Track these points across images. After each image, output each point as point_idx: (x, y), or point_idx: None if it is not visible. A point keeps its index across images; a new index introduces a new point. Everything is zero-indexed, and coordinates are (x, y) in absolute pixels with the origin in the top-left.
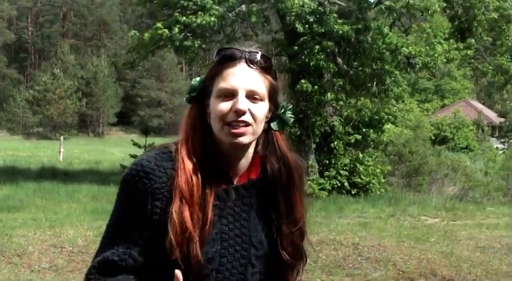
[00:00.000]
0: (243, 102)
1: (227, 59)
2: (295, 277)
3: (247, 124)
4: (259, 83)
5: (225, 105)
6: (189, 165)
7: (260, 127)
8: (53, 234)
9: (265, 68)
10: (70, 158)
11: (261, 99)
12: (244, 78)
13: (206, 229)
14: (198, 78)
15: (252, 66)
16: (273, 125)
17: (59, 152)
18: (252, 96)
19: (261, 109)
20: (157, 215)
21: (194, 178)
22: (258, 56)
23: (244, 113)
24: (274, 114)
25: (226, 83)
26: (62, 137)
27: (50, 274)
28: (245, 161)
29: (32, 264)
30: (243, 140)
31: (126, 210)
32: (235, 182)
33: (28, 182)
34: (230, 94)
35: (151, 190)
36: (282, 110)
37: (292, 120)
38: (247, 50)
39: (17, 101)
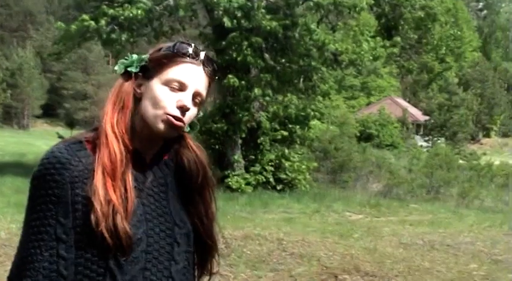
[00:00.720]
0: (190, 101)
1: (188, 54)
2: (210, 266)
3: (183, 121)
4: (205, 88)
5: (171, 96)
6: (113, 140)
7: (185, 127)
8: None
9: (214, 76)
10: None
11: (200, 104)
12: (197, 78)
13: (129, 205)
14: (135, 55)
15: (205, 69)
16: (186, 128)
17: None
18: (195, 97)
19: (196, 112)
20: (80, 203)
21: (118, 153)
22: (212, 62)
23: (187, 111)
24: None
25: (182, 76)
26: None
27: None
28: (156, 146)
29: None
30: (174, 133)
31: (46, 206)
32: (147, 161)
33: None
34: (179, 87)
35: (70, 179)
36: (196, 115)
37: (197, 128)
38: (205, 52)
39: None
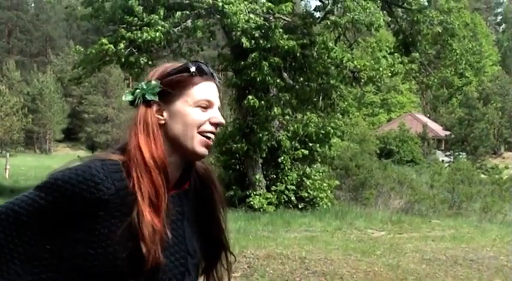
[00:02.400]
0: (221, 116)
1: (204, 73)
2: None
3: (212, 139)
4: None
5: (204, 115)
6: (154, 169)
7: None
8: None
9: (220, 86)
10: (16, 175)
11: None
12: (216, 93)
13: (164, 235)
14: (143, 84)
15: (216, 84)
16: None
17: (5, 169)
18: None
19: None
20: (98, 224)
21: (162, 185)
22: (218, 76)
23: (221, 125)
24: None
25: (207, 95)
26: (8, 154)
27: None
28: (177, 173)
29: None
30: (207, 153)
31: (63, 217)
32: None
33: None
34: (207, 106)
35: (98, 201)
36: None
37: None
38: (210, 67)
39: None
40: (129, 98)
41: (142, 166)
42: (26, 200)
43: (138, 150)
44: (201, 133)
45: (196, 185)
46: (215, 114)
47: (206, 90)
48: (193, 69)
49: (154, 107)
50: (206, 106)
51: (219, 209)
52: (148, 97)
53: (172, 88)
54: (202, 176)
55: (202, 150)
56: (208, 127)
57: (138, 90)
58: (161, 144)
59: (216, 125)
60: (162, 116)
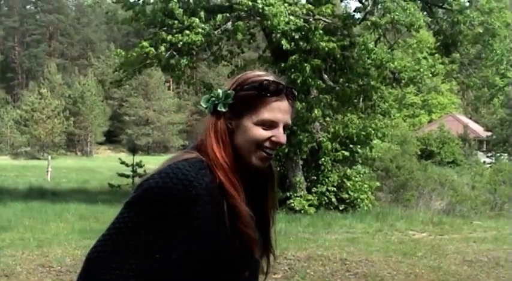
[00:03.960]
0: (283, 137)
1: (273, 92)
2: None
3: (272, 155)
4: (291, 116)
5: (265, 133)
6: (232, 175)
7: None
8: (40, 254)
9: (295, 101)
10: (58, 177)
11: (286, 130)
12: (285, 113)
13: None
14: (220, 91)
15: (289, 101)
16: None
17: (47, 171)
18: (285, 128)
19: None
20: (199, 220)
21: (237, 184)
22: (294, 92)
23: (282, 146)
24: None
25: (272, 116)
26: (49, 157)
27: None
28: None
29: None
30: (265, 166)
31: (165, 220)
32: None
33: (16, 201)
34: (271, 124)
35: (196, 197)
36: None
37: None
38: (287, 85)
39: (4, 120)
40: (204, 105)
41: (220, 166)
42: (126, 222)
43: (213, 153)
44: (260, 148)
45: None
46: (276, 134)
47: (274, 110)
48: (264, 89)
49: (227, 114)
50: (269, 125)
51: (271, 209)
52: (219, 108)
53: (243, 104)
54: (263, 174)
55: (259, 163)
56: (267, 144)
57: (213, 99)
58: (229, 150)
59: (275, 144)
60: (231, 125)
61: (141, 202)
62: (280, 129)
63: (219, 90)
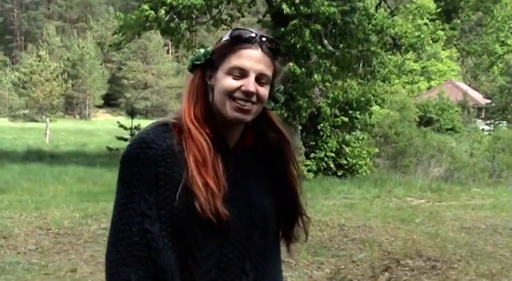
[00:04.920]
0: (252, 85)
1: (244, 41)
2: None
3: (252, 103)
4: (268, 67)
5: (234, 83)
6: (196, 133)
7: (261, 107)
8: (39, 216)
9: (275, 52)
10: (56, 140)
11: (267, 83)
12: (256, 61)
13: (222, 191)
14: (202, 50)
15: (264, 50)
16: (266, 104)
17: (45, 134)
18: (260, 78)
19: (266, 91)
20: (162, 181)
21: (204, 144)
22: (270, 41)
23: (253, 95)
24: (270, 93)
25: (240, 63)
26: (48, 119)
27: (36, 255)
28: (237, 133)
29: (18, 246)
30: (247, 117)
31: (132, 184)
32: (230, 149)
33: (14, 164)
34: (241, 73)
35: (154, 158)
36: (276, 90)
37: (282, 99)
38: (260, 33)
39: (2, 83)
40: (188, 64)
41: (188, 131)
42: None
43: (183, 111)
44: (233, 99)
45: (266, 145)
46: (245, 83)
47: (242, 57)
48: (232, 36)
49: (204, 73)
50: (239, 75)
51: (291, 172)
52: (195, 63)
53: (217, 56)
54: (274, 137)
55: (235, 115)
56: (238, 95)
57: (193, 57)
58: (202, 108)
59: (245, 93)
60: (211, 81)
61: (119, 175)
62: (251, 78)
63: (201, 49)
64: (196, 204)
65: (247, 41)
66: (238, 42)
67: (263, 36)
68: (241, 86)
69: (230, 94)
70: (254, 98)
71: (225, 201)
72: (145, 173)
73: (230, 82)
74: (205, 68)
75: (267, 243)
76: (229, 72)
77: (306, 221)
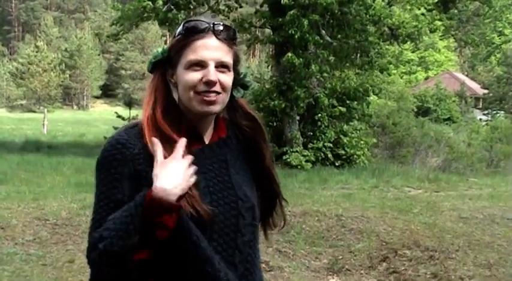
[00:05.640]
0: (213, 74)
1: (196, 31)
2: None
3: (217, 93)
4: (226, 53)
5: (195, 76)
6: (147, 133)
7: (228, 95)
8: (36, 206)
9: (231, 38)
10: (54, 130)
11: (228, 70)
12: (212, 49)
13: (196, 188)
14: (160, 49)
15: (219, 37)
16: (235, 92)
17: (43, 124)
18: (220, 66)
19: (229, 78)
20: (143, 178)
21: (155, 144)
22: (224, 28)
23: (215, 84)
24: (236, 81)
25: (197, 55)
26: (45, 110)
27: (34, 246)
28: (209, 125)
29: (16, 237)
30: (214, 108)
31: (112, 184)
32: (206, 142)
33: (12, 154)
34: (200, 65)
35: (132, 157)
36: (242, 76)
37: (251, 85)
38: (213, 21)
39: (0, 73)
40: (147, 66)
41: (145, 126)
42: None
43: (142, 112)
44: (197, 93)
45: (239, 134)
46: (205, 73)
47: (198, 49)
48: (183, 30)
49: (164, 72)
50: (198, 66)
51: (267, 157)
52: (153, 62)
53: (174, 52)
54: (247, 125)
55: (202, 108)
56: (201, 87)
57: (151, 58)
58: (161, 106)
59: (207, 84)
60: (173, 79)
61: (96, 181)
62: (210, 67)
63: (159, 48)
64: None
65: (200, 32)
66: (191, 34)
67: (215, 23)
68: (202, 78)
69: (193, 88)
70: (218, 87)
71: (205, 195)
72: (124, 172)
73: (191, 76)
74: (165, 66)
75: (254, 233)
76: (188, 67)
77: (284, 205)
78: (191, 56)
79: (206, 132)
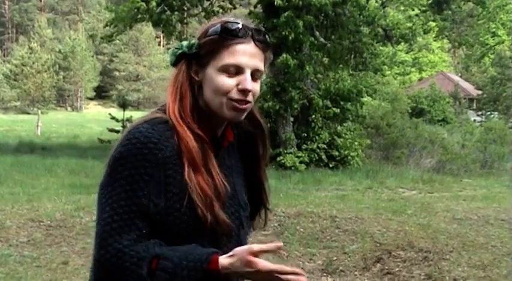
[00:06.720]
0: (250, 82)
1: (234, 34)
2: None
3: (248, 102)
4: (261, 61)
5: (230, 82)
6: (183, 131)
7: (253, 104)
8: (30, 208)
9: (267, 46)
10: (48, 132)
11: (259, 78)
12: (251, 57)
13: (221, 193)
14: (185, 42)
15: (257, 44)
16: None
17: (37, 126)
18: (254, 75)
19: (259, 87)
20: (171, 185)
21: (193, 143)
22: (262, 35)
23: (249, 93)
24: None
25: (235, 60)
26: (39, 111)
27: (28, 248)
28: (222, 128)
29: (10, 238)
30: (242, 116)
31: (138, 186)
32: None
33: (6, 156)
34: (236, 70)
35: (163, 160)
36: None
37: (263, 88)
38: (253, 27)
39: None
40: (168, 59)
41: (175, 129)
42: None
43: (168, 109)
44: (230, 99)
45: (240, 139)
46: (241, 80)
47: (236, 54)
48: (223, 31)
49: (188, 68)
50: (234, 72)
51: (262, 168)
52: (178, 56)
53: (206, 51)
54: (251, 130)
55: (232, 115)
56: (235, 95)
57: (176, 50)
58: (187, 105)
59: (242, 92)
60: (198, 77)
61: (115, 175)
62: (247, 75)
63: (184, 42)
64: (199, 211)
65: (240, 36)
66: (229, 36)
67: (254, 28)
68: (238, 85)
69: (226, 94)
70: (250, 97)
71: (224, 204)
72: (154, 176)
73: (226, 81)
74: (190, 62)
75: (247, 241)
76: (224, 70)
77: (267, 213)
78: (228, 59)
79: (218, 134)
